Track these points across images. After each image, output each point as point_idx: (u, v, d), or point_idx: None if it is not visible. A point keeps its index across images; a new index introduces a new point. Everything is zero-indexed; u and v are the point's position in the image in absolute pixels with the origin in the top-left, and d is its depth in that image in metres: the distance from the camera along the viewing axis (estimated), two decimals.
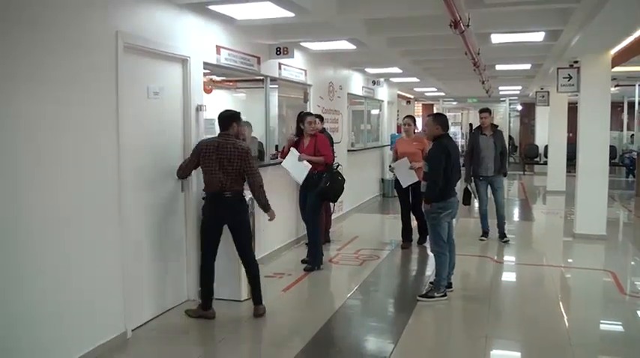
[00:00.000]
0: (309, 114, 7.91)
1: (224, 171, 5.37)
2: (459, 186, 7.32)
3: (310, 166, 7.32)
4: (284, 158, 7.58)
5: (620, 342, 5.38)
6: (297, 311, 6.25)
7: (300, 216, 8.54)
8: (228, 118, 5.53)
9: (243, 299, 6.02)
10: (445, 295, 6.21)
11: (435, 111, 23.90)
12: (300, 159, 7.35)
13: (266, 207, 5.61)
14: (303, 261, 7.53)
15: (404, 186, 8.20)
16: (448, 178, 6.07)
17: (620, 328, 5.79)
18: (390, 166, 8.96)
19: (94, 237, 4.59)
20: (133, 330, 5.12)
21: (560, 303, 6.33)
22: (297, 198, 8.51)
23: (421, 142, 8.12)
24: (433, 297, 6.16)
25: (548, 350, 5.00)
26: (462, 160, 7.14)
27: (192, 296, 6.02)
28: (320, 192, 7.48)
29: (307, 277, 7.11)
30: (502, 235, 8.93)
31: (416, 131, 8.70)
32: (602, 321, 6.07)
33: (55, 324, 4.20)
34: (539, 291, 6.88)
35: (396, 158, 8.41)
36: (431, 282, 6.36)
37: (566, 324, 5.60)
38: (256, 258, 6.24)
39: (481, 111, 9.02)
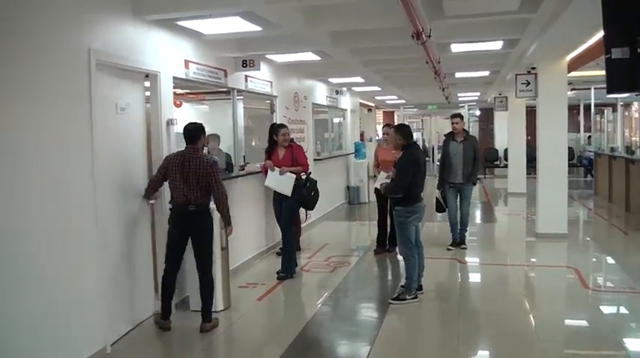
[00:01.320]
0: (282, 125, 7.99)
1: (189, 185, 5.42)
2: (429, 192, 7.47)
3: (295, 176, 7.46)
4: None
5: (586, 335, 5.60)
6: (273, 319, 6.36)
7: (268, 226, 8.68)
8: (196, 131, 5.58)
9: (220, 309, 6.07)
10: (416, 297, 6.38)
11: (396, 120, 24.32)
12: (281, 174, 7.48)
13: (227, 221, 5.71)
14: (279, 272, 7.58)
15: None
16: (416, 184, 6.32)
17: (585, 321, 6.01)
18: (375, 188, 7.88)
19: (72, 251, 4.60)
20: (111, 345, 5.13)
21: (528, 300, 6.58)
22: (266, 209, 8.62)
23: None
24: (405, 300, 6.32)
25: (518, 346, 5.20)
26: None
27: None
28: (302, 201, 7.62)
29: (281, 285, 7.19)
30: (461, 241, 8.95)
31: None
32: (568, 315, 6.30)
33: (34, 342, 4.18)
34: (507, 290, 7.12)
35: (377, 164, 8.36)
36: (402, 285, 6.52)
37: (535, 320, 5.82)
38: (230, 269, 6.35)
39: (452, 116, 8.98)
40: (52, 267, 4.35)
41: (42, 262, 4.25)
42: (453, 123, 8.85)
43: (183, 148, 5.66)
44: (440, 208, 8.84)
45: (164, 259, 5.67)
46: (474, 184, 8.92)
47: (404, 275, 6.58)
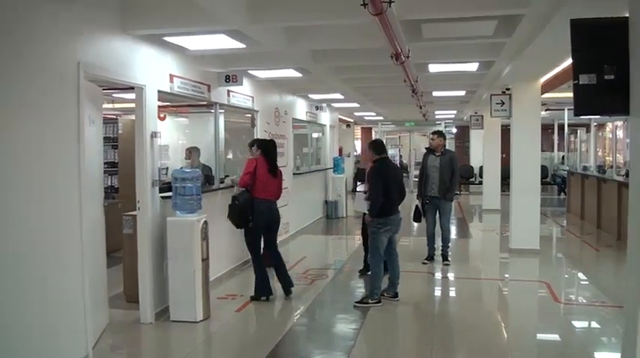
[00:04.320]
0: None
1: None
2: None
3: None
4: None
5: (557, 346, 5.80)
6: (251, 329, 6.47)
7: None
8: None
9: (199, 319, 6.16)
10: (379, 302, 6.68)
11: (373, 136, 24.63)
12: None
13: None
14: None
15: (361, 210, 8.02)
16: (388, 197, 6.60)
17: (556, 333, 6.22)
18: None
19: (57, 258, 4.63)
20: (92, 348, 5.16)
21: (501, 313, 6.77)
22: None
23: None
24: (368, 303, 6.69)
25: (491, 356, 5.37)
26: None
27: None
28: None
29: None
30: (444, 258, 9.02)
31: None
32: (540, 328, 6.49)
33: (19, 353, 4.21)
34: (480, 302, 7.33)
35: None
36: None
37: (507, 331, 6.03)
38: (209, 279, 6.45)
39: (432, 133, 9.32)
40: (33, 276, 4.36)
41: (23, 272, 4.24)
42: (430, 139, 9.20)
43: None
44: (417, 217, 9.00)
45: None
46: (450, 201, 8.99)
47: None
